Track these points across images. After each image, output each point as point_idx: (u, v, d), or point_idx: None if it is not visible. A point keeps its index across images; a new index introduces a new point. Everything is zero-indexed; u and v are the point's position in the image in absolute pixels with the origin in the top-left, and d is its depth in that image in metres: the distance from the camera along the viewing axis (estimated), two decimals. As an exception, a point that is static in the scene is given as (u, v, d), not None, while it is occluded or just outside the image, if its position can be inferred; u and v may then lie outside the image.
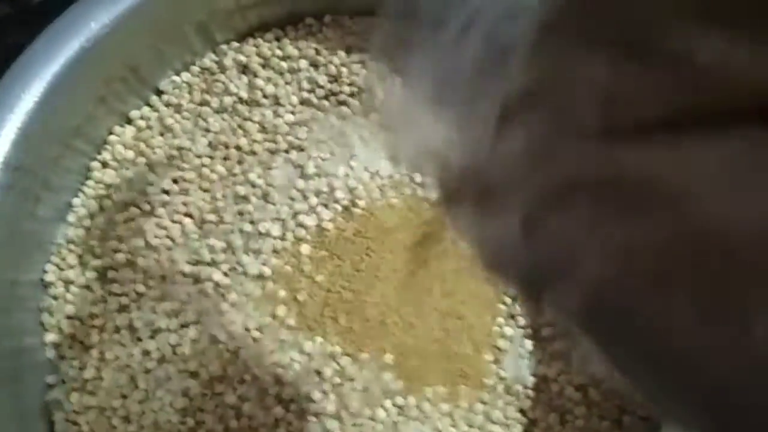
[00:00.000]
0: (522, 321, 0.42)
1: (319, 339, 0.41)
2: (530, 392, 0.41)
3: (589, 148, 0.13)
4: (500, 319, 0.42)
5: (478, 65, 0.16)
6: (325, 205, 0.43)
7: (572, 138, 0.13)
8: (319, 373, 0.40)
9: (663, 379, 0.14)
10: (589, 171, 0.13)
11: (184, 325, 0.41)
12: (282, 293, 0.42)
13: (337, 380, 0.40)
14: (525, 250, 0.15)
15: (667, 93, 0.12)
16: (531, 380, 0.42)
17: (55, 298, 0.42)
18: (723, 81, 0.11)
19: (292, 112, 0.46)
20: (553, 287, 0.14)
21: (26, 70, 0.38)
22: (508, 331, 0.42)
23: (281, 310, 0.41)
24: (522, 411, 0.41)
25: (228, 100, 0.45)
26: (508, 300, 0.42)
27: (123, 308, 0.42)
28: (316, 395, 0.39)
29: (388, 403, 0.40)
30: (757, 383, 0.12)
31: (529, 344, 0.42)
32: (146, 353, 0.41)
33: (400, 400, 0.40)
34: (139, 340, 0.41)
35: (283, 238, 0.43)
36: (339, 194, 0.43)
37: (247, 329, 0.41)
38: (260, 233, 0.43)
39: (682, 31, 0.11)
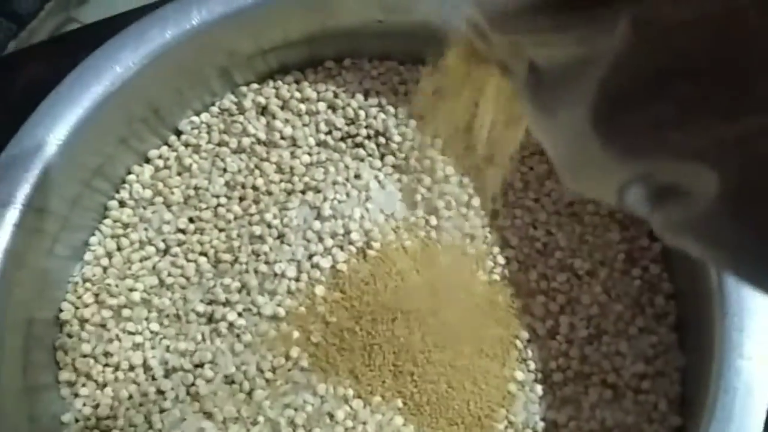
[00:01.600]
0: (533, 365, 0.43)
1: (332, 381, 0.41)
2: (540, 437, 0.42)
3: None
4: (511, 364, 0.43)
5: None
6: (341, 247, 0.44)
7: None
8: (331, 415, 0.40)
9: None
10: None
11: (198, 365, 0.41)
12: (296, 334, 0.42)
13: (350, 423, 0.40)
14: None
15: None
16: (541, 425, 0.42)
17: (69, 336, 0.42)
18: None
19: (309, 154, 0.46)
20: None
21: (51, 113, 0.39)
22: (519, 375, 0.42)
23: (295, 352, 0.41)
24: (532, 456, 0.41)
25: (246, 140, 0.46)
26: (520, 345, 0.43)
27: (137, 347, 0.42)
28: (329, 438, 0.40)
29: (400, 447, 0.40)
30: None
31: (539, 389, 0.42)
32: (160, 392, 0.41)
33: (412, 445, 0.40)
34: (154, 379, 0.41)
35: (298, 279, 0.43)
36: (354, 236, 0.44)
37: (261, 370, 0.41)
38: (275, 274, 0.43)
39: None
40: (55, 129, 0.39)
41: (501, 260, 0.45)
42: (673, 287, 0.44)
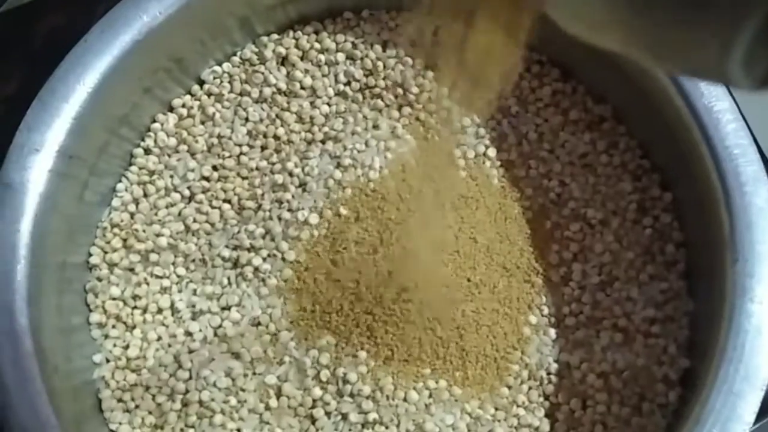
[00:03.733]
0: (546, 310, 0.44)
1: (354, 323, 0.42)
2: (553, 378, 0.43)
3: None
4: (525, 308, 0.44)
5: None
6: (360, 196, 0.45)
7: None
8: (354, 355, 0.42)
9: None
10: None
11: (225, 308, 0.43)
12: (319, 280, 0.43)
13: (372, 363, 0.42)
14: None
15: None
16: (554, 367, 0.43)
17: (99, 279, 0.43)
18: None
19: (329, 104, 0.47)
20: None
21: (81, 60, 0.39)
22: (533, 319, 0.44)
23: (318, 296, 0.43)
24: (545, 396, 0.43)
25: (267, 90, 0.47)
26: (534, 291, 0.44)
27: (165, 290, 0.44)
28: (353, 377, 0.41)
29: (420, 385, 0.42)
30: None
31: (552, 333, 0.44)
32: (189, 334, 0.42)
33: (431, 384, 0.42)
34: (182, 321, 0.43)
35: (319, 226, 0.44)
36: (373, 185, 0.45)
37: (287, 312, 0.42)
38: (298, 221, 0.44)
39: None
40: (86, 77, 0.39)
41: (516, 210, 0.46)
42: (683, 236, 0.45)
